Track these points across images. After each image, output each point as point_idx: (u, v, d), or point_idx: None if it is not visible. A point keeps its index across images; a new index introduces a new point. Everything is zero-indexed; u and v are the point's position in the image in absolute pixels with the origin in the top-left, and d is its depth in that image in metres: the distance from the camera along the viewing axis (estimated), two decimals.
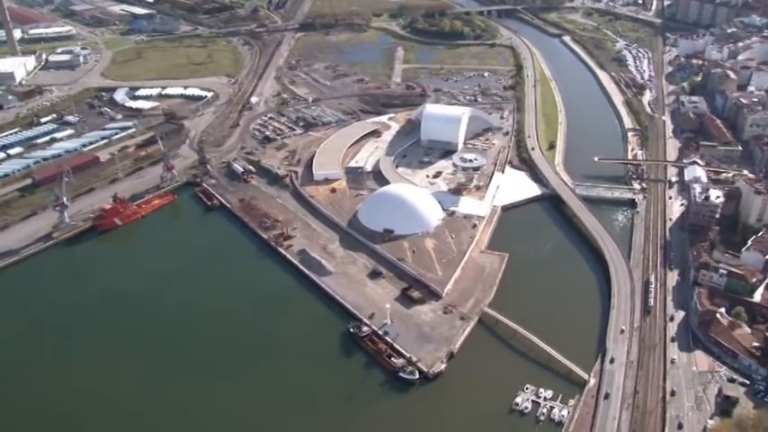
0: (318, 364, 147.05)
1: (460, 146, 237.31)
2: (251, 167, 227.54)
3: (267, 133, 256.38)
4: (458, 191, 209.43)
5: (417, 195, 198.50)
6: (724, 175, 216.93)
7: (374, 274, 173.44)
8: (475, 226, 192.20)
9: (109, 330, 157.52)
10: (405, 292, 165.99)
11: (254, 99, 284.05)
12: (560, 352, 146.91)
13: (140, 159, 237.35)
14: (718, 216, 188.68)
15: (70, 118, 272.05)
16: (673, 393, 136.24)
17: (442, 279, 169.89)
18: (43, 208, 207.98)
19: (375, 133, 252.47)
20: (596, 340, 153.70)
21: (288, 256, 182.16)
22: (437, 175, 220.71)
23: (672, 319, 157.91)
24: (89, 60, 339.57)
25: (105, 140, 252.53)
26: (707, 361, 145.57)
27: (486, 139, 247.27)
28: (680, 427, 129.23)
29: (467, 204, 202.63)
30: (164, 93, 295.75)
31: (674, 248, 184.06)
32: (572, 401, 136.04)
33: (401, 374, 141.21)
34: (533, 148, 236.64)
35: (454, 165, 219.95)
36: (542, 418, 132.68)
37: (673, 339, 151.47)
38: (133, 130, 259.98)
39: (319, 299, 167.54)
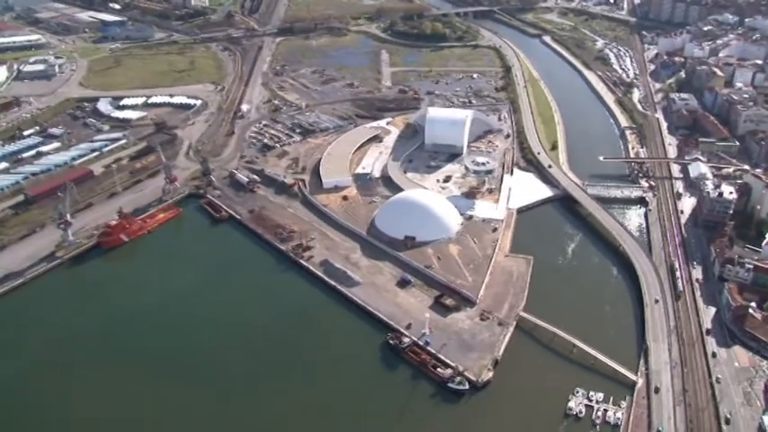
0: (362, 379, 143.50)
1: (465, 149, 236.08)
2: (255, 177, 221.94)
3: (265, 141, 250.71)
4: (471, 194, 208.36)
5: (436, 201, 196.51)
6: (725, 170, 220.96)
7: (403, 283, 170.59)
8: (496, 230, 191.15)
9: (132, 354, 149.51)
10: (438, 300, 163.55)
11: (244, 107, 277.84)
12: (602, 353, 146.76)
13: (137, 172, 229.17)
14: (731, 212, 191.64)
15: (55, 130, 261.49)
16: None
17: (473, 285, 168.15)
18: (41, 226, 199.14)
19: (376, 138, 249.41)
20: (634, 338, 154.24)
21: (310, 267, 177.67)
22: (447, 179, 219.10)
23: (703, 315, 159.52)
24: (65, 70, 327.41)
25: (96, 153, 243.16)
26: (746, 356, 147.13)
27: (489, 142, 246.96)
28: (730, 423, 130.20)
29: (483, 208, 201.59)
30: (150, 102, 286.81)
31: (691, 245, 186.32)
32: (624, 403, 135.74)
33: (450, 385, 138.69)
34: (539, 152, 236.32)
35: (466, 168, 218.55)
36: (598, 421, 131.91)
37: (708, 332, 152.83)
38: (124, 141, 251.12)
39: (350, 310, 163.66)
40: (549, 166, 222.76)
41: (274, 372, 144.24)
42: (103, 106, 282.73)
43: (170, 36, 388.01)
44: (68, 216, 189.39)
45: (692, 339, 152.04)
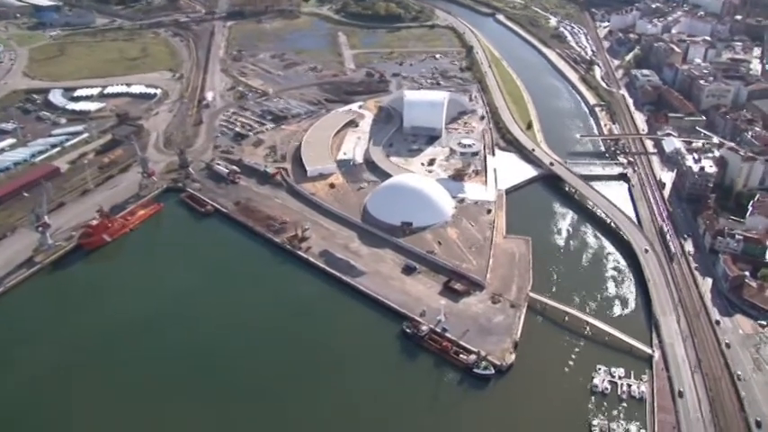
0: (384, 371, 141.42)
1: (444, 131, 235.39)
2: (235, 167, 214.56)
3: (237, 129, 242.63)
4: (458, 177, 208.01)
5: (428, 185, 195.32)
6: (695, 144, 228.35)
7: (408, 270, 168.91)
8: (490, 211, 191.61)
9: (136, 362, 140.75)
10: (447, 286, 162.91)
11: (209, 95, 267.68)
12: (615, 328, 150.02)
13: (106, 167, 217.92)
14: (711, 185, 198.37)
15: (6, 125, 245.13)
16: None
17: (478, 268, 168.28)
18: (12, 229, 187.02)
19: (352, 123, 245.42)
20: (641, 313, 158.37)
21: (310, 259, 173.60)
22: (432, 162, 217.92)
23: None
24: (3, 59, 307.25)
25: (57, 148, 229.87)
26: (749, 323, 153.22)
27: (465, 123, 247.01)
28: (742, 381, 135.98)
29: (473, 190, 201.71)
30: (106, 92, 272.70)
31: (678, 218, 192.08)
32: (645, 377, 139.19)
33: (476, 371, 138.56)
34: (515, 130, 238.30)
35: (452, 150, 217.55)
36: (624, 396, 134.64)
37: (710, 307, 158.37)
38: (86, 135, 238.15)
39: (359, 301, 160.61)
40: (533, 150, 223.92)
41: (293, 371, 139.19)
42: (56, 98, 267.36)
43: (113, 22, 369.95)
44: (46, 218, 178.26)
45: (696, 310, 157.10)
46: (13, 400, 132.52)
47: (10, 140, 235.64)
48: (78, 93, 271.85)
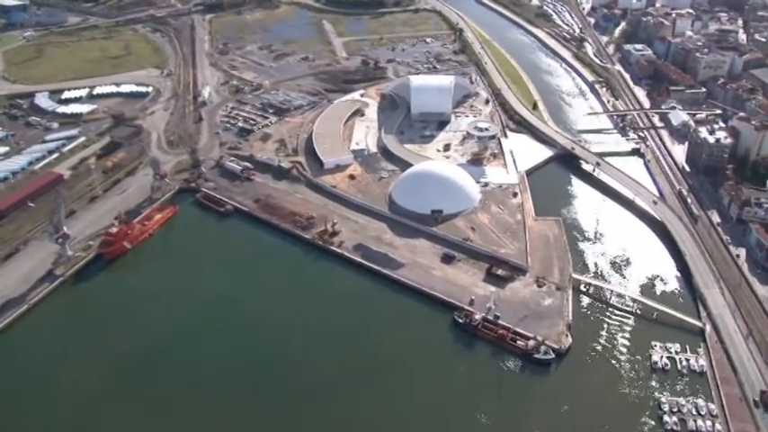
0: (445, 363, 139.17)
1: (452, 116, 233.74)
2: (248, 164, 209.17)
3: (240, 124, 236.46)
4: (477, 161, 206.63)
5: (454, 171, 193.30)
6: (698, 116, 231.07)
7: (447, 259, 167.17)
8: (516, 194, 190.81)
9: (188, 372, 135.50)
10: (490, 272, 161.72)
11: (205, 91, 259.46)
12: (661, 304, 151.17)
13: (110, 171, 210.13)
14: (727, 156, 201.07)
15: None
16: None
17: (518, 253, 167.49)
18: (25, 242, 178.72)
19: (358, 112, 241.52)
20: (682, 286, 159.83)
21: (345, 253, 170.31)
22: (447, 147, 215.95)
23: (738, 256, 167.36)
24: None
25: (55, 154, 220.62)
26: None
27: (472, 106, 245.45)
28: None
29: (495, 174, 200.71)
30: (95, 93, 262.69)
31: (698, 190, 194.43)
32: (700, 350, 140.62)
33: (536, 356, 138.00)
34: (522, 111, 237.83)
35: (468, 134, 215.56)
36: (684, 371, 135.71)
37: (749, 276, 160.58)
38: (83, 138, 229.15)
39: (402, 294, 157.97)
40: (548, 130, 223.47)
41: (354, 371, 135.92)
42: (43, 101, 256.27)
43: (86, 20, 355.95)
44: (65, 228, 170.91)
45: (737, 281, 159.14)
46: (60, 422, 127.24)
47: (2, 149, 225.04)
48: (66, 95, 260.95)
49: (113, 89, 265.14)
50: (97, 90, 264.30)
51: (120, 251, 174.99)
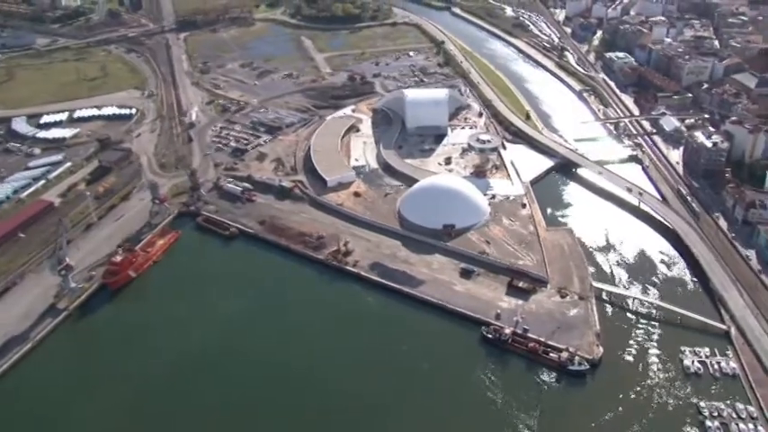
0: (480, 380, 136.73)
1: (448, 129, 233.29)
2: (247, 185, 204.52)
3: (232, 144, 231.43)
4: (480, 173, 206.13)
5: (462, 184, 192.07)
6: (687, 121, 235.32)
7: (467, 273, 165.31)
8: (525, 205, 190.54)
9: (208, 410, 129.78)
10: (512, 285, 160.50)
11: (193, 113, 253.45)
12: (683, 308, 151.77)
13: (103, 196, 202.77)
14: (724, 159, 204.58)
15: None
16: None
17: (536, 264, 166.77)
18: (20, 276, 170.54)
19: (352, 128, 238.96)
20: (698, 289, 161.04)
21: (362, 273, 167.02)
22: (448, 161, 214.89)
23: (749, 258, 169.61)
24: None
25: (42, 181, 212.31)
26: None
27: (466, 119, 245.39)
28: None
29: (500, 186, 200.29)
30: (75, 116, 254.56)
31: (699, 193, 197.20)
32: (729, 353, 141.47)
33: (571, 368, 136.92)
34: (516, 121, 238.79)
35: (470, 147, 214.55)
36: (717, 375, 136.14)
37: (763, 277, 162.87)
38: (69, 164, 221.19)
39: (425, 311, 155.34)
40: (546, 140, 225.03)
41: (387, 394, 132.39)
42: (21, 126, 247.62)
43: (55, 41, 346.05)
44: (68, 259, 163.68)
45: (752, 282, 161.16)
46: None
47: None
48: (45, 119, 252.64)
49: (95, 112, 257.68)
50: (78, 113, 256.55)
51: (126, 280, 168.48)
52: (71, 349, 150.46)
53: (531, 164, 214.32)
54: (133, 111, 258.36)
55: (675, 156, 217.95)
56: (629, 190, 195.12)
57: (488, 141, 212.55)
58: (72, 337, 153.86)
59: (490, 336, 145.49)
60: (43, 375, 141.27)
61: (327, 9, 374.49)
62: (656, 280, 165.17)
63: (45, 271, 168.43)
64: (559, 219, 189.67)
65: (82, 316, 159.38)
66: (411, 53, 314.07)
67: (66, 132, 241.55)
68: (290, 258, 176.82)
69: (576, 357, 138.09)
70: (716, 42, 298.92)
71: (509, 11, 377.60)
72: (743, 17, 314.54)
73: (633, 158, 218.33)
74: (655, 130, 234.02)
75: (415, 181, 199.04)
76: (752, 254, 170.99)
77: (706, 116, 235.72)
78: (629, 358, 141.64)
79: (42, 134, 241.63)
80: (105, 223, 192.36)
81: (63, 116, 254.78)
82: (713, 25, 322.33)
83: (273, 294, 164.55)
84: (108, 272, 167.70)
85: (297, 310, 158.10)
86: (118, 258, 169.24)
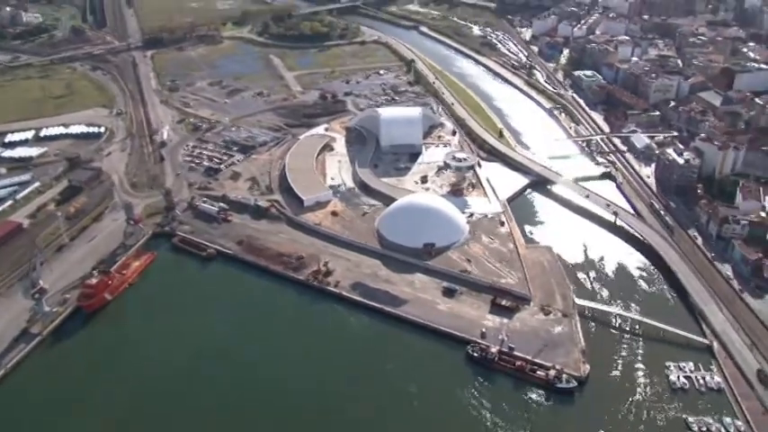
0: (466, 400, 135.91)
1: (423, 147, 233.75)
2: (223, 204, 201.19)
3: (206, 163, 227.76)
4: (457, 192, 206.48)
5: (440, 203, 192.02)
6: (656, 138, 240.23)
7: (449, 292, 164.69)
8: (503, 223, 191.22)
9: None
10: (495, 304, 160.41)
11: (164, 132, 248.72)
12: (664, 323, 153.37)
13: (74, 217, 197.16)
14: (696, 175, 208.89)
15: None
16: None
17: (518, 282, 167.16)
18: None
19: (327, 147, 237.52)
20: (678, 304, 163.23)
21: (343, 293, 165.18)
22: (424, 179, 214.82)
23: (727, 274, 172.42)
24: None
25: (9, 202, 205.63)
26: None
27: (439, 137, 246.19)
28: None
29: (478, 204, 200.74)
30: (42, 135, 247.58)
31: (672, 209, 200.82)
32: (713, 367, 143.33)
33: (559, 385, 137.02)
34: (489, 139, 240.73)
35: (446, 165, 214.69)
36: (703, 389, 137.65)
37: (741, 291, 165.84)
38: (37, 183, 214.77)
39: (408, 331, 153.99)
40: (521, 158, 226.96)
41: (372, 416, 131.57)
42: None
43: (17, 57, 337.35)
44: (41, 283, 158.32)
45: (730, 296, 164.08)
46: None
47: None
48: (10, 137, 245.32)
49: (62, 130, 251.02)
50: (44, 132, 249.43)
51: (101, 303, 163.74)
52: (46, 375, 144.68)
53: (507, 181, 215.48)
54: (102, 129, 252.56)
55: (647, 172, 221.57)
56: (608, 206, 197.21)
57: (465, 159, 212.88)
58: (47, 362, 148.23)
59: (476, 354, 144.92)
60: (18, 403, 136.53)
61: (295, 27, 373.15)
62: (636, 295, 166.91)
63: (16, 295, 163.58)
64: (537, 236, 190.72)
65: (56, 341, 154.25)
66: (381, 71, 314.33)
67: (32, 151, 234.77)
68: (269, 279, 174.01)
69: (564, 375, 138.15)
70: (679, 61, 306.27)
71: (476, 29, 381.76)
72: (702, 37, 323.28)
73: (607, 175, 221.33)
74: (626, 148, 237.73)
75: (393, 200, 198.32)
76: (728, 268, 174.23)
77: (675, 133, 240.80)
78: (616, 374, 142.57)
79: (7, 153, 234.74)
80: (78, 245, 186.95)
81: (29, 134, 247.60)
82: (675, 45, 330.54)
83: (254, 316, 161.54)
84: (83, 295, 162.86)
85: (279, 332, 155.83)
86: (93, 281, 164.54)
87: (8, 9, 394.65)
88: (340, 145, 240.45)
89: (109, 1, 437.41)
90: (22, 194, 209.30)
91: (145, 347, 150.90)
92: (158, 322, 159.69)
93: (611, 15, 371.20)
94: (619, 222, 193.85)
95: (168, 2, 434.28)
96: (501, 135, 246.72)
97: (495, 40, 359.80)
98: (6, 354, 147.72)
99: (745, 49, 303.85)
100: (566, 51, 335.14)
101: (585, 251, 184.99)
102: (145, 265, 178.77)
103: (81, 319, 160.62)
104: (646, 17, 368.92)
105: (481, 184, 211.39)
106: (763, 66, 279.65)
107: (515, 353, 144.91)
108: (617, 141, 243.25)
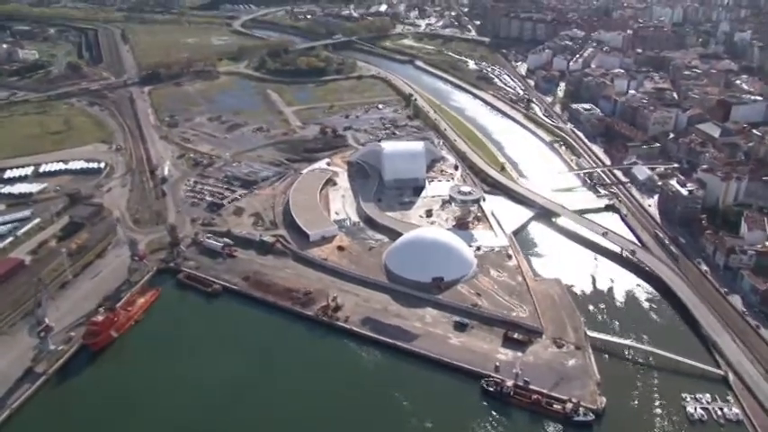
0: None
1: (426, 181, 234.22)
2: (227, 240, 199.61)
3: (209, 198, 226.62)
4: (463, 225, 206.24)
5: (448, 236, 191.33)
6: (657, 170, 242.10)
7: (461, 327, 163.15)
8: (510, 257, 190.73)
9: None
10: (508, 337, 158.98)
11: (165, 167, 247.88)
12: (678, 355, 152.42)
13: (76, 253, 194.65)
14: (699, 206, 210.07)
15: None
16: None
17: (529, 315, 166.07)
18: None
19: (329, 181, 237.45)
20: (689, 335, 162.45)
21: (354, 329, 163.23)
22: (429, 213, 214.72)
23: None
24: None
25: (10, 239, 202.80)
26: None
27: (442, 171, 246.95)
28: None
29: (484, 237, 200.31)
30: (41, 171, 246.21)
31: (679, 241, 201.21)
32: (729, 398, 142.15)
33: (576, 419, 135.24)
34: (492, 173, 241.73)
35: (452, 199, 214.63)
36: (721, 421, 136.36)
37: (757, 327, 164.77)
38: (38, 220, 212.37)
39: (421, 366, 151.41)
40: (525, 192, 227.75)
41: None
42: None
43: (13, 94, 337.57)
44: (47, 320, 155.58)
45: (742, 327, 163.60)
46: None
47: None
48: (9, 174, 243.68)
49: (61, 166, 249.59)
50: (44, 167, 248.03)
51: (107, 341, 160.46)
52: (53, 415, 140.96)
53: (512, 215, 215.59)
54: (102, 165, 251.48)
55: (650, 204, 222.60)
56: (605, 234, 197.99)
57: (470, 193, 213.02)
58: (52, 403, 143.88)
59: (491, 389, 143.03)
60: None
61: (292, 63, 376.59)
62: (647, 327, 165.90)
63: (20, 333, 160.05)
64: (544, 268, 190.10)
65: (62, 380, 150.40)
66: (380, 105, 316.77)
67: (32, 187, 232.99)
68: (277, 315, 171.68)
69: (581, 408, 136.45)
70: (675, 94, 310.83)
71: (471, 64, 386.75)
72: (696, 70, 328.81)
73: (610, 207, 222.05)
74: (628, 180, 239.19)
75: (399, 234, 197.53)
76: (737, 299, 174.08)
77: (676, 165, 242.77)
78: (633, 407, 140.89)
79: (6, 189, 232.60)
80: (81, 281, 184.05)
81: (28, 170, 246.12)
82: (670, 77, 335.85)
83: (263, 353, 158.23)
84: (89, 332, 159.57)
85: (290, 370, 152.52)
86: (99, 318, 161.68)
87: (4, 46, 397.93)
88: (342, 179, 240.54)
89: (104, 37, 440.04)
90: (22, 231, 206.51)
91: (153, 386, 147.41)
92: (165, 360, 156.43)
93: (605, 49, 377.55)
94: (625, 253, 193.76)
95: (164, 38, 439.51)
96: (503, 168, 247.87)
97: (491, 74, 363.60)
98: (11, 394, 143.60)
99: (738, 81, 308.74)
100: (562, 85, 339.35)
101: (594, 282, 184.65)
102: (150, 302, 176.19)
103: (86, 357, 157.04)
104: (639, 51, 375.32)
105: (486, 218, 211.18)
106: (757, 97, 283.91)
107: (531, 386, 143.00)
108: (618, 173, 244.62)
